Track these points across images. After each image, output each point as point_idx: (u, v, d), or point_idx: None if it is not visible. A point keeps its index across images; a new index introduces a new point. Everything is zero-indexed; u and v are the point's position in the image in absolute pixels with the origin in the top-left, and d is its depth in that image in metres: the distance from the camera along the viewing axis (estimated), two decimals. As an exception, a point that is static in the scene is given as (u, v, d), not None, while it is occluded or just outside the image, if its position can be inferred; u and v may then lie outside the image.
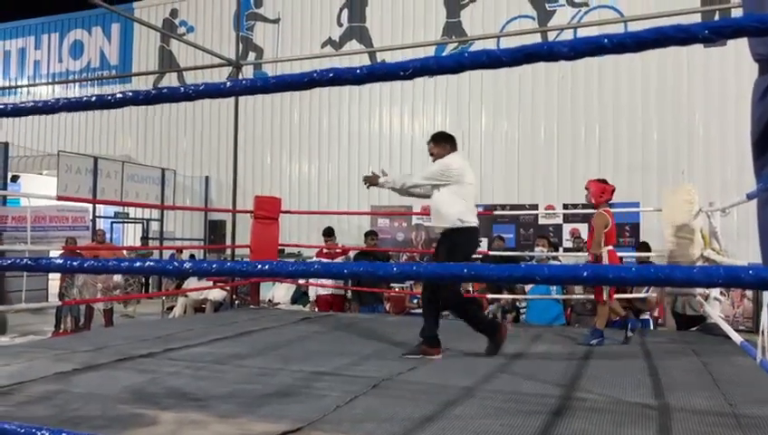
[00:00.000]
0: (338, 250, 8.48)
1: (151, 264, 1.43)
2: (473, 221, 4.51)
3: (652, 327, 7.13)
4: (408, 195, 4.83)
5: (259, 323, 6.08)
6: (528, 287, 7.27)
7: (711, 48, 9.95)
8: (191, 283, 10.24)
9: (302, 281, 8.72)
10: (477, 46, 11.92)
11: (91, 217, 12.65)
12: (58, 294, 9.16)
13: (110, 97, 1.49)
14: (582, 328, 6.17)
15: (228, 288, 8.74)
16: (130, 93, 1.44)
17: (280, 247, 8.33)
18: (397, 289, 9.36)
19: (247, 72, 13.14)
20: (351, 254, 8.63)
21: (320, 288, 8.39)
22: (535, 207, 11.39)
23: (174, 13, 15.58)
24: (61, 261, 1.53)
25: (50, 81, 16.80)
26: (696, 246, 5.26)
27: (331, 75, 1.29)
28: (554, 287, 6.90)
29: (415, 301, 8.62)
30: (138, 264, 1.42)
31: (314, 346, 4.84)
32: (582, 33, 11.16)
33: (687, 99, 10.96)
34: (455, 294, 4.61)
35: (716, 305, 5.46)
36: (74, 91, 16.76)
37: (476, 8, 12.55)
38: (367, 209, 12.21)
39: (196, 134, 15.06)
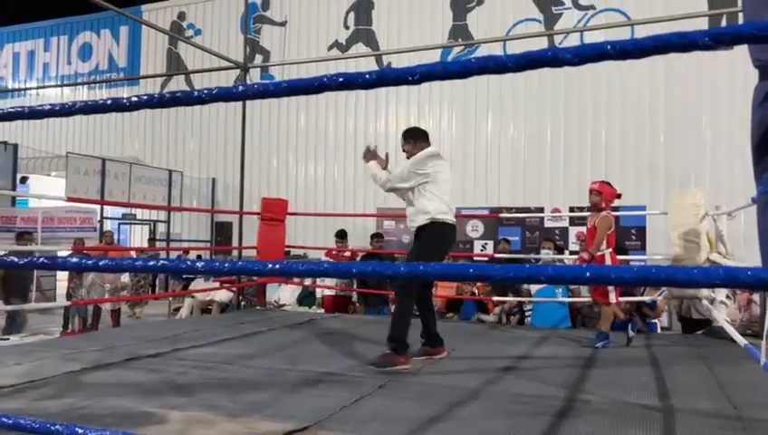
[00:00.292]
0: (346, 253, 8.52)
1: (164, 262, 1.47)
2: (448, 218, 4.30)
3: (658, 330, 7.12)
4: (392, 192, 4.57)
5: (265, 324, 6.12)
6: (534, 290, 7.28)
7: (719, 51, 9.95)
8: (198, 284, 10.30)
9: (308, 282, 8.76)
10: (483, 49, 11.96)
11: (98, 219, 12.73)
12: (66, 295, 9.23)
13: (125, 100, 1.52)
14: (588, 331, 6.18)
15: (235, 289, 8.78)
16: (145, 97, 1.48)
17: (286, 249, 8.37)
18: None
19: (254, 75, 13.21)
20: (358, 256, 8.68)
21: (326, 289, 8.44)
22: (541, 209, 11.40)
23: (182, 15, 15.68)
24: (75, 259, 1.56)
25: (59, 83, 16.93)
26: (702, 249, 5.26)
27: (340, 80, 1.32)
28: (560, 290, 6.91)
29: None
30: (151, 263, 1.46)
31: (320, 347, 4.87)
32: (589, 36, 11.17)
33: (695, 102, 10.95)
34: (407, 290, 4.24)
35: (722, 309, 5.44)
36: (83, 93, 16.87)
37: (483, 11, 12.58)
38: (373, 211, 12.24)
39: (203, 136, 15.14)
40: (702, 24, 10.43)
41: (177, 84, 15.31)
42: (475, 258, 10.11)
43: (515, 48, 11.52)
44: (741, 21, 1.70)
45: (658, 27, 8.80)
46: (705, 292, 5.32)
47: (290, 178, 14.01)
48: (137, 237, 15.84)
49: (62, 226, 11.77)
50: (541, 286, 7.01)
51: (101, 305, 9.23)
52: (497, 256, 8.17)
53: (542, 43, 11.59)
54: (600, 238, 5.01)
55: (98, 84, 16.57)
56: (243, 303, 8.63)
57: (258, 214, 7.71)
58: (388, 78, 1.32)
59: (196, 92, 1.41)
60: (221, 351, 4.61)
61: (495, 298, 7.56)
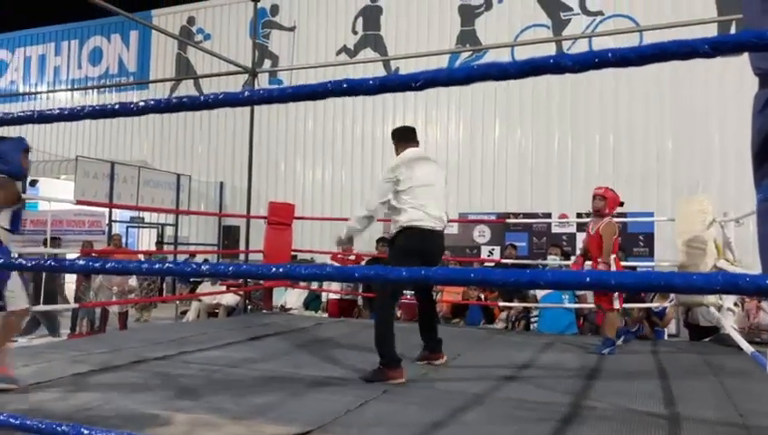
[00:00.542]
0: (351, 257, 8.53)
1: (170, 266, 1.49)
2: (424, 224, 3.97)
3: (665, 337, 7.09)
4: (385, 216, 4.18)
5: (271, 327, 6.14)
6: (540, 295, 7.26)
7: (727, 57, 9.92)
8: (204, 287, 10.33)
9: (314, 286, 8.77)
10: (491, 55, 11.97)
11: (107, 222, 12.81)
12: (74, 297, 9.28)
13: (132, 105, 1.54)
14: (595, 337, 6.16)
15: (241, 293, 8.81)
16: (152, 102, 1.50)
17: (293, 253, 8.39)
18: (408, 296, 9.37)
19: (263, 79, 13.27)
20: (363, 261, 8.70)
21: (331, 293, 8.45)
22: (549, 215, 11.37)
23: (191, 20, 15.78)
24: (83, 262, 1.58)
25: (69, 87, 17.06)
26: (708, 256, 5.24)
27: (345, 86, 1.34)
28: (566, 296, 6.89)
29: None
30: (157, 266, 1.48)
31: (326, 351, 4.88)
32: (597, 42, 11.17)
33: (703, 107, 10.90)
34: (387, 296, 4.07)
35: (730, 316, 5.42)
36: (93, 97, 17.00)
37: (491, 17, 12.59)
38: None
39: (211, 140, 15.21)
40: (711, 30, 10.41)
41: (186, 88, 15.40)
42: (485, 264, 10.10)
43: (523, 53, 11.54)
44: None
45: (667, 33, 8.79)
46: (712, 299, 5.30)
47: (297, 182, 14.05)
48: (145, 241, 15.91)
49: (70, 229, 11.85)
50: (547, 292, 6.99)
51: (109, 308, 9.27)
52: (504, 261, 8.15)
53: (550, 49, 11.58)
54: (608, 245, 5.01)
55: (107, 88, 16.70)
56: (249, 306, 8.65)
57: (265, 218, 7.74)
58: (391, 84, 1.34)
59: (202, 97, 1.43)
60: (227, 354, 4.63)
61: (501, 304, 7.54)
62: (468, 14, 12.75)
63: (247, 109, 9.02)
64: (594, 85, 11.43)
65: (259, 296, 8.87)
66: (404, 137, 4.26)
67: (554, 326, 6.86)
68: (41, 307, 6.90)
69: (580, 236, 11.16)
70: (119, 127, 16.21)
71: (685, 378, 4.11)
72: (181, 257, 12.97)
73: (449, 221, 4.33)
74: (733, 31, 10.07)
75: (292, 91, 1.45)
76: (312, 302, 9.21)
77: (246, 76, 8.91)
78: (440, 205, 4.12)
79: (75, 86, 16.96)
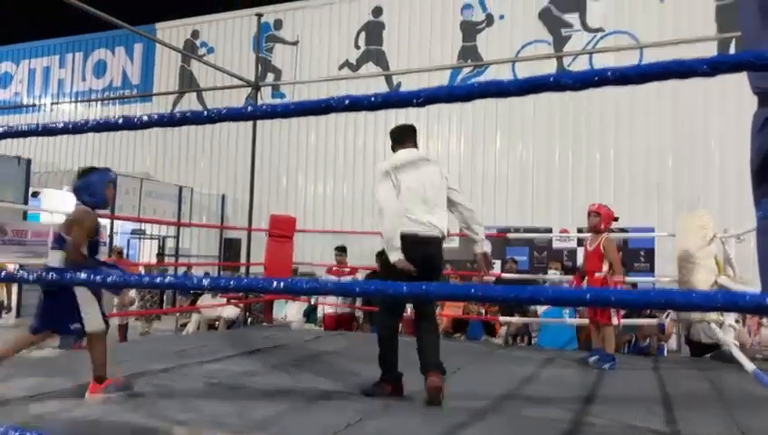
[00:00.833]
0: (346, 269, 8.54)
1: (171, 279, 1.49)
2: (411, 230, 3.67)
3: (665, 353, 7.06)
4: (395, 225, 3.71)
5: (272, 341, 6.12)
6: (541, 311, 7.25)
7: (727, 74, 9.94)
8: (205, 300, 10.31)
9: (313, 299, 8.77)
10: (492, 70, 12.04)
11: (108, 233, 12.81)
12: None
13: (135, 119, 1.56)
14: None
15: (242, 306, 8.80)
16: (156, 116, 1.52)
17: (294, 266, 8.39)
18: (409, 310, 9.35)
19: (266, 93, 13.35)
20: (360, 274, 8.68)
21: (327, 307, 8.44)
22: (549, 230, 11.37)
23: (195, 34, 15.90)
24: (84, 275, 1.59)
25: (73, 99, 17.16)
26: (709, 272, 5.23)
27: (347, 102, 1.35)
28: (567, 311, 6.88)
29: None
30: (158, 279, 1.49)
31: (326, 365, 4.86)
32: (598, 58, 11.23)
33: (703, 124, 10.94)
34: (386, 310, 3.87)
35: (731, 332, 5.40)
36: (97, 109, 17.09)
37: (492, 32, 12.67)
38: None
39: (213, 153, 15.27)
40: (711, 47, 10.47)
41: (190, 101, 15.49)
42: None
43: (524, 69, 11.61)
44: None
45: (667, 50, 8.85)
46: (713, 315, 5.28)
47: (299, 195, 14.08)
48: (146, 252, 15.90)
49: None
50: (548, 307, 6.98)
51: (109, 320, 9.23)
52: (504, 275, 8.14)
53: (551, 65, 11.66)
54: (616, 259, 5.10)
55: (111, 101, 16.79)
56: (250, 319, 8.64)
57: (266, 230, 7.75)
58: (393, 100, 1.35)
59: (205, 112, 1.45)
60: (227, 367, 4.62)
61: (502, 318, 7.52)
62: (470, 30, 12.84)
63: (250, 122, 9.06)
64: (595, 100, 11.47)
65: (259, 309, 8.85)
66: (398, 138, 3.99)
67: (555, 342, 6.85)
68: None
69: (581, 251, 11.17)
70: (122, 139, 16.28)
71: (685, 394, 4.10)
72: (182, 269, 12.95)
73: (449, 235, 3.97)
74: (732, 48, 10.12)
75: (294, 106, 1.46)
76: (312, 313, 9.20)
77: (249, 90, 8.97)
78: (433, 210, 3.75)
79: (79, 98, 17.06)
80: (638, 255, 10.66)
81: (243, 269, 9.74)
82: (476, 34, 12.79)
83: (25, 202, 11.67)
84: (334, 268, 8.51)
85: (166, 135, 15.72)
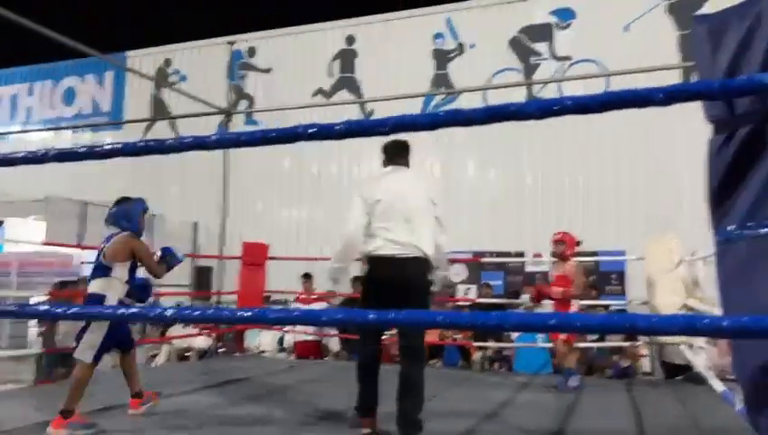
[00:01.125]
0: (313, 296, 8.49)
1: (134, 311, 1.46)
2: (381, 252, 3.49)
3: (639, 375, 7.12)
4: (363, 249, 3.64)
5: (244, 371, 6.02)
6: (515, 335, 7.27)
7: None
8: (176, 330, 10.11)
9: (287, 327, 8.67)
10: (464, 97, 12.21)
11: (77, 263, 12.54)
12: (42, 342, 8.99)
13: (98, 148, 1.54)
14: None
15: (213, 335, 8.65)
16: (119, 145, 1.50)
17: (266, 294, 8.30)
18: (385, 337, 9.30)
19: (238, 120, 13.32)
20: (337, 300, 8.62)
21: (296, 334, 8.36)
22: (521, 254, 11.45)
23: (167, 62, 15.86)
24: (44, 308, 1.55)
25: (42, 127, 16.90)
26: (677, 295, 5.32)
27: (312, 131, 1.35)
28: (540, 335, 6.90)
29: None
30: (120, 311, 1.45)
31: (300, 395, 4.79)
32: (566, 85, 11.46)
33: (672, 149, 11.18)
34: (362, 352, 3.69)
35: (702, 354, 5.46)
36: (67, 137, 16.83)
37: (463, 60, 12.88)
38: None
39: (185, 180, 15.11)
40: (675, 75, 10.78)
41: (162, 128, 15.37)
42: (458, 303, 10.09)
43: (495, 96, 11.79)
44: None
45: (633, 78, 9.08)
46: (682, 337, 5.35)
47: (273, 222, 13.98)
48: (116, 282, 15.58)
49: (38, 270, 11.57)
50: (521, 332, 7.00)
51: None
52: (479, 300, 8.15)
53: (520, 93, 11.86)
54: (580, 282, 5.19)
55: (82, 128, 16.57)
56: (221, 349, 8.48)
57: (239, 258, 7.67)
58: (358, 129, 1.36)
59: (170, 141, 1.44)
60: (198, 399, 4.52)
61: (476, 344, 7.52)
62: (441, 59, 13.04)
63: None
64: (565, 124, 11.66)
65: (232, 339, 8.71)
66: (386, 155, 3.86)
67: (529, 366, 6.86)
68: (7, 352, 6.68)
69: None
70: (90, 166, 16.03)
71: (658, 416, 4.13)
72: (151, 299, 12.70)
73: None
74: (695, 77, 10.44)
75: (261, 135, 1.46)
76: (282, 341, 9.09)
77: (222, 117, 8.95)
78: (411, 228, 3.51)
79: (48, 126, 16.80)
80: (609, 278, 10.78)
81: (214, 298, 9.61)
82: (448, 63, 12.99)
83: None
84: (301, 296, 8.45)
85: (136, 162, 15.53)
